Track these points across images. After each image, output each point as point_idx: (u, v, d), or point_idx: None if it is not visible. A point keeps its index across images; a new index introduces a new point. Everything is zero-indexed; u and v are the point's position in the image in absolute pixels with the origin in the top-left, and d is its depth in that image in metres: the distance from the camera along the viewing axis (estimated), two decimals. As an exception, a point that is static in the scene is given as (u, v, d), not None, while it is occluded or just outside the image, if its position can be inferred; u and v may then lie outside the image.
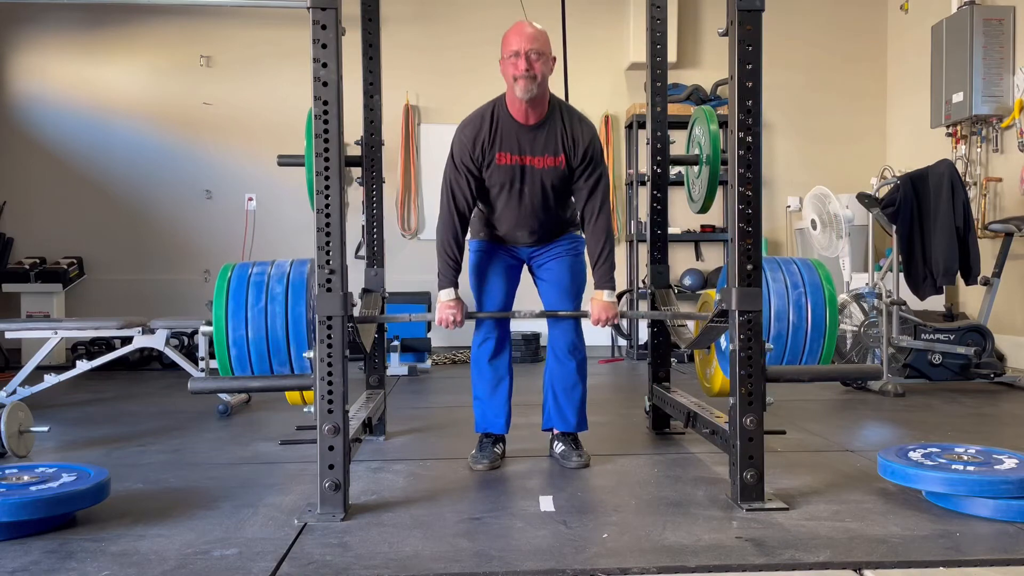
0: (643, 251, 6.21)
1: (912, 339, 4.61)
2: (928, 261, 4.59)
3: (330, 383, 2.30)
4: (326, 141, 2.29)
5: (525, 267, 3.11)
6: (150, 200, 6.89)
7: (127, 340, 4.74)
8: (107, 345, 5.83)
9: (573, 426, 2.98)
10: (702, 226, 6.97)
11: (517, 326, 6.22)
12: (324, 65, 2.27)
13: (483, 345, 2.99)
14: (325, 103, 2.28)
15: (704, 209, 3.48)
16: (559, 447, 2.97)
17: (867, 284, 4.98)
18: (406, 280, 6.28)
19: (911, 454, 2.50)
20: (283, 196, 6.67)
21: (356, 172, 3.51)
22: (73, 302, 6.62)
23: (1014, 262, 5.22)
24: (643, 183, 4.88)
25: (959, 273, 4.51)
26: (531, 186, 2.86)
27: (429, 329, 6.15)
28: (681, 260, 7.05)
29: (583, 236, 3.00)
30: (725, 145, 2.85)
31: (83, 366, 4.54)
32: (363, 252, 3.56)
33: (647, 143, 3.55)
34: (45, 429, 3.18)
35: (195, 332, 5.78)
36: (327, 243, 2.29)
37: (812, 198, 5.28)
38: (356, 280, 2.87)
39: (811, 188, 5.36)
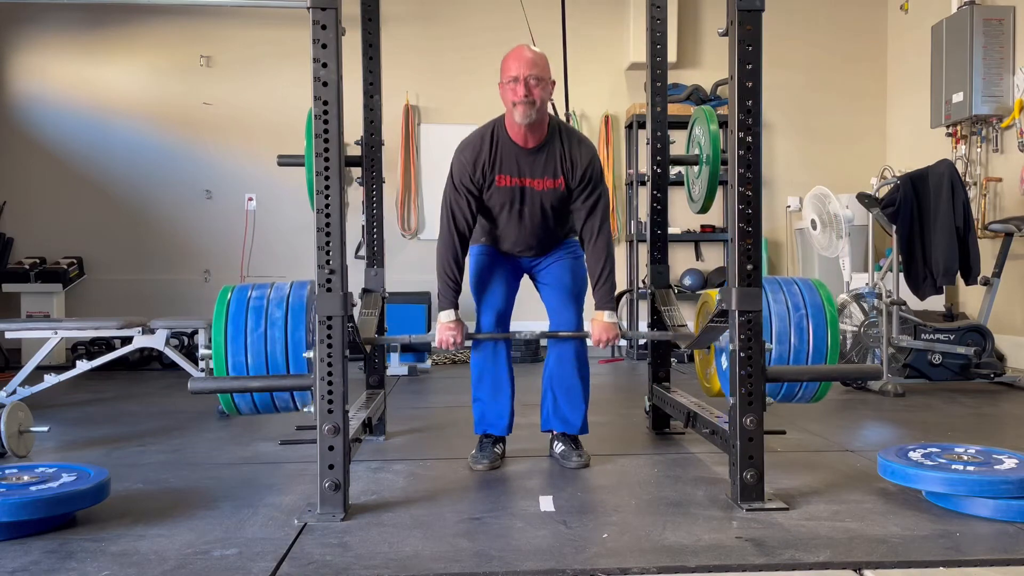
0: (643, 251, 6.21)
1: (912, 339, 4.61)
2: (928, 261, 4.59)
3: (330, 383, 2.30)
4: (326, 141, 2.28)
5: (526, 275, 3.14)
6: (150, 200, 6.89)
7: (127, 340, 4.75)
8: (107, 345, 5.83)
9: (574, 428, 2.98)
10: (702, 226, 6.97)
11: (517, 326, 6.21)
12: (324, 65, 2.27)
13: (483, 346, 2.99)
14: (325, 103, 2.28)
15: (704, 209, 3.48)
16: (559, 447, 2.97)
17: (867, 284, 4.98)
18: (406, 280, 6.27)
19: (911, 454, 2.50)
20: (283, 196, 6.67)
21: (356, 172, 3.51)
22: (73, 302, 6.62)
23: (1014, 262, 5.22)
24: (643, 183, 4.88)
25: (959, 273, 4.51)
26: (531, 207, 2.88)
27: (429, 329, 6.15)
28: (681, 260, 7.06)
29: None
30: (725, 145, 2.85)
31: (83, 366, 4.55)
32: (363, 252, 3.56)
33: (647, 143, 3.55)
34: (45, 429, 3.18)
35: (195, 332, 5.78)
36: (327, 243, 2.29)
37: (812, 198, 5.27)
38: (356, 280, 2.87)
39: (811, 188, 5.36)
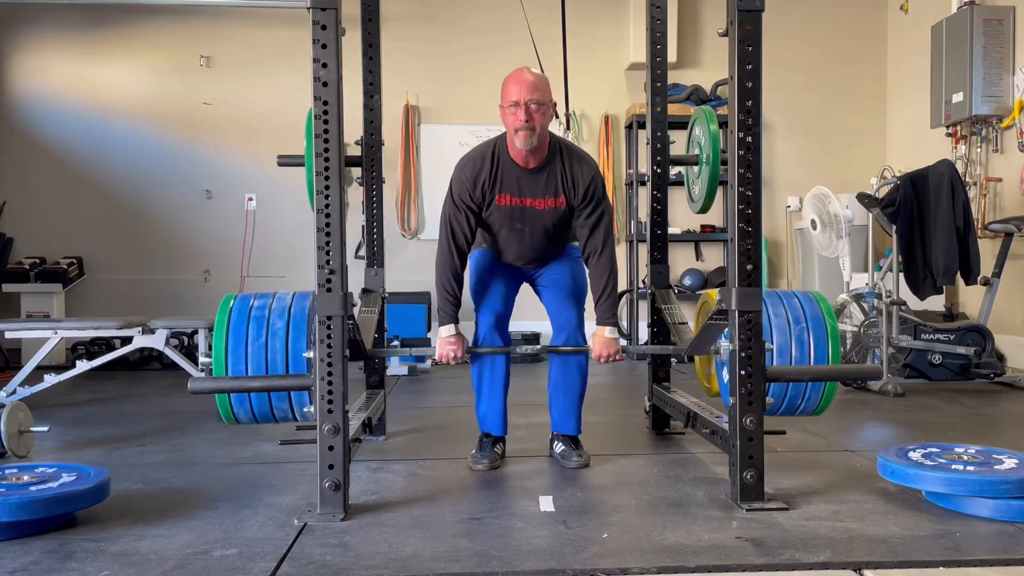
0: (643, 251, 6.21)
1: (912, 339, 4.61)
2: (928, 261, 4.59)
3: (330, 383, 2.30)
4: (326, 141, 2.28)
5: (526, 283, 3.15)
6: (150, 200, 6.89)
7: (127, 340, 4.75)
8: (107, 345, 5.83)
9: (570, 428, 2.98)
10: (702, 226, 6.97)
11: (517, 326, 6.21)
12: (324, 65, 2.27)
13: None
14: (325, 103, 2.28)
15: (704, 209, 3.48)
16: (559, 447, 2.97)
17: (867, 284, 4.98)
18: (406, 280, 6.28)
19: (911, 454, 2.50)
20: (283, 196, 6.67)
21: (356, 172, 3.50)
22: (73, 302, 6.62)
23: (1014, 262, 5.22)
24: (643, 183, 4.88)
25: (959, 273, 4.51)
26: (532, 225, 2.89)
27: (429, 329, 6.15)
28: (681, 260, 7.06)
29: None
30: (725, 145, 2.85)
31: (83, 366, 4.55)
32: (363, 252, 3.56)
33: (647, 143, 3.55)
34: (45, 429, 3.18)
35: (195, 332, 5.79)
36: (327, 243, 2.29)
37: (812, 198, 5.27)
38: (356, 280, 2.87)
39: (811, 188, 5.37)
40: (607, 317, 2.90)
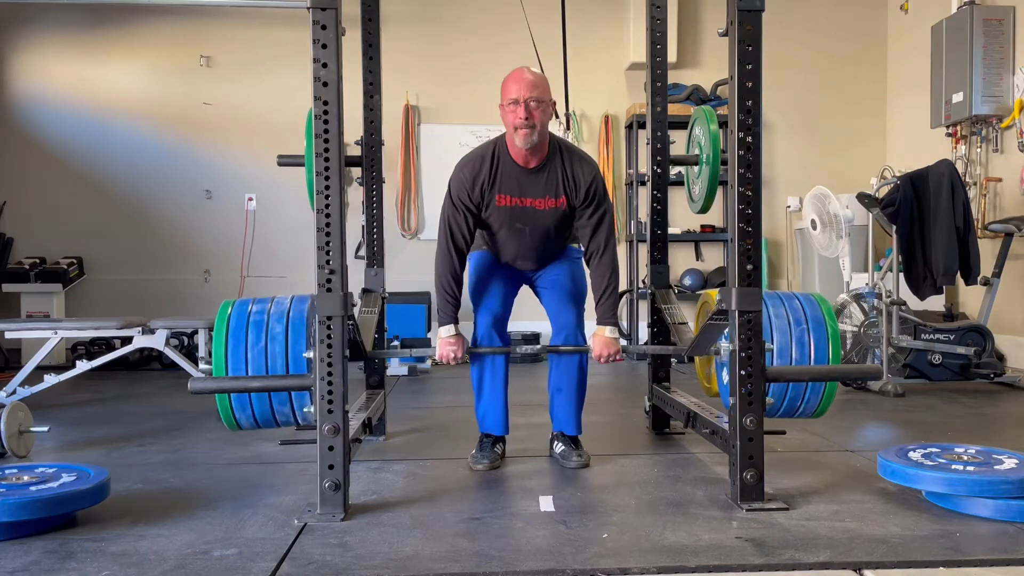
0: (643, 251, 6.21)
1: (912, 339, 4.61)
2: (928, 261, 4.59)
3: (330, 383, 2.30)
4: (326, 141, 2.28)
5: (526, 285, 3.15)
6: (150, 200, 6.89)
7: (127, 340, 4.75)
8: (107, 345, 5.83)
9: (570, 428, 2.98)
10: (702, 226, 6.98)
11: (517, 326, 6.22)
12: (324, 65, 2.27)
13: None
14: (325, 103, 2.28)
15: (704, 209, 3.48)
16: (559, 447, 2.97)
17: (867, 284, 4.98)
18: (406, 280, 6.28)
19: (911, 454, 2.50)
20: (283, 196, 6.67)
21: (356, 172, 3.50)
22: (73, 302, 6.62)
23: (1014, 262, 5.22)
24: (643, 183, 4.88)
25: (959, 273, 4.51)
26: (532, 226, 2.90)
27: (429, 329, 6.15)
28: (681, 260, 7.06)
29: (581, 247, 3.02)
30: (725, 145, 2.85)
31: (83, 366, 4.55)
32: (363, 252, 3.56)
33: (647, 143, 3.55)
34: (45, 429, 3.18)
35: (195, 332, 5.79)
36: (327, 243, 2.29)
37: (812, 198, 5.27)
38: (356, 280, 2.87)
39: (811, 188, 5.37)
40: (607, 317, 2.90)
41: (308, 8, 2.26)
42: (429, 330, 6.12)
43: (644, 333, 5.96)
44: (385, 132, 3.62)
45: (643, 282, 6.13)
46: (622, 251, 6.90)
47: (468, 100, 6.81)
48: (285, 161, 3.31)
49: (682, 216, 6.73)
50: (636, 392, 4.57)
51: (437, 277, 2.89)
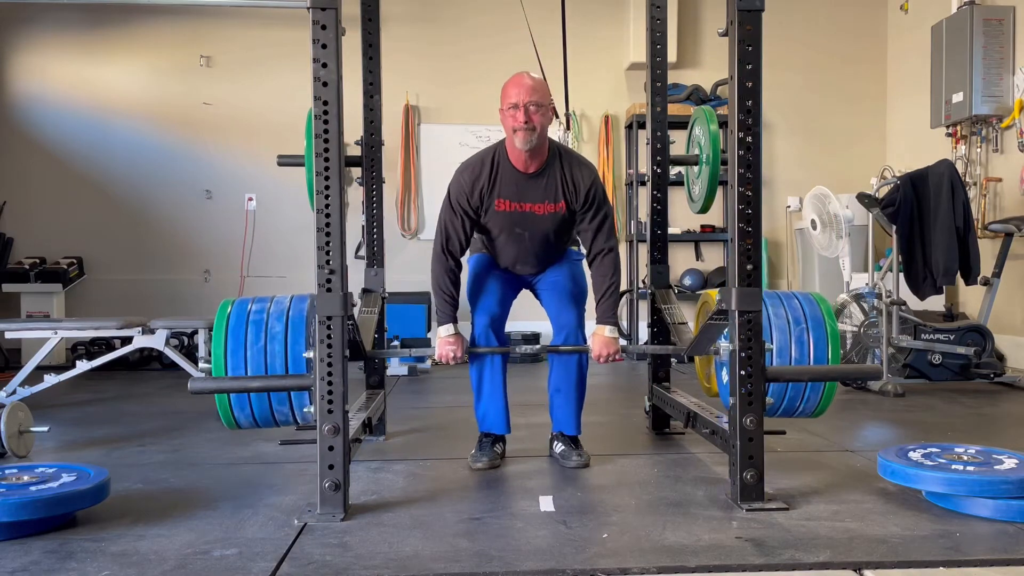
0: (643, 251, 6.21)
1: (912, 339, 4.61)
2: (928, 261, 4.59)
3: (330, 383, 2.30)
4: (326, 141, 2.28)
5: (525, 288, 3.16)
6: (150, 200, 6.89)
7: (127, 340, 4.76)
8: (107, 345, 5.83)
9: (570, 428, 2.98)
10: (702, 226, 6.98)
11: (517, 326, 6.23)
12: (324, 65, 2.27)
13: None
14: (325, 103, 2.28)
15: (704, 209, 3.48)
16: (559, 447, 2.97)
17: (867, 284, 4.98)
18: (406, 280, 6.27)
19: (911, 454, 2.50)
20: (283, 196, 6.67)
21: (356, 172, 3.50)
22: (73, 302, 6.62)
23: (1014, 262, 5.22)
24: (643, 183, 4.88)
25: (959, 273, 4.51)
26: (532, 231, 2.91)
27: (429, 329, 6.15)
28: (681, 260, 7.06)
29: (580, 250, 3.02)
30: (725, 145, 2.85)
31: (83, 366, 4.55)
32: (363, 252, 3.56)
33: (647, 143, 3.55)
34: (45, 429, 3.18)
35: (195, 332, 5.79)
36: (327, 243, 2.29)
37: (812, 198, 5.27)
38: (356, 280, 2.87)
39: (811, 188, 5.37)
40: (607, 316, 2.90)
41: (308, 8, 2.26)
42: (429, 330, 6.12)
43: (644, 333, 5.96)
44: (385, 132, 3.62)
45: (643, 282, 6.13)
46: (622, 251, 6.89)
47: (468, 100, 6.80)
48: (285, 161, 3.31)
49: (682, 216, 6.73)
50: (636, 392, 4.57)
51: (433, 278, 2.91)
